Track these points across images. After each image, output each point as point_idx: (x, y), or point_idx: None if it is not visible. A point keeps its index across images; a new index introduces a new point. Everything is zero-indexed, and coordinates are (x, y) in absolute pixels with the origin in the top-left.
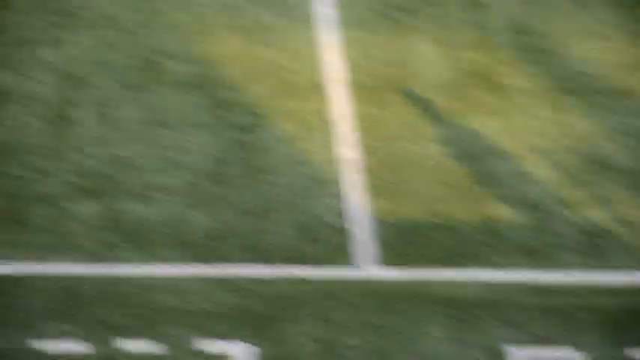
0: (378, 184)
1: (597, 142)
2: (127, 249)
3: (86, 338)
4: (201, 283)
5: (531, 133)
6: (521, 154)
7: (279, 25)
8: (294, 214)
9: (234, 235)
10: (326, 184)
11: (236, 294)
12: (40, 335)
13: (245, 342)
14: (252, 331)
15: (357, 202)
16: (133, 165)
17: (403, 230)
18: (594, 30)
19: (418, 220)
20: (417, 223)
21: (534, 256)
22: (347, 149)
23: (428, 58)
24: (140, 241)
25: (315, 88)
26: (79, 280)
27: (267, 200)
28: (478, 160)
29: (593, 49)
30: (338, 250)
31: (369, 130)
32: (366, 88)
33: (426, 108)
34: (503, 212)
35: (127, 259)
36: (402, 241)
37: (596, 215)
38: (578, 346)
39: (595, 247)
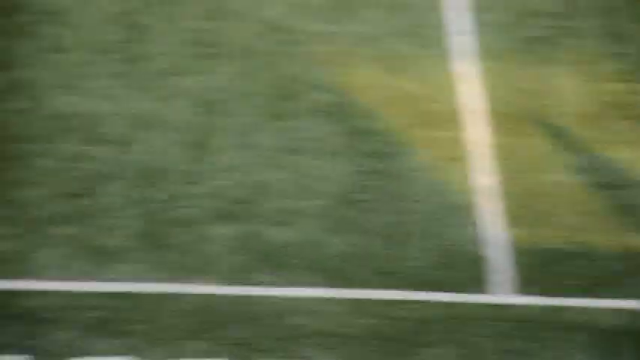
0: (515, 213)
1: None
2: (262, 271)
3: (224, 357)
4: (335, 305)
5: None
6: None
7: (416, 55)
8: (430, 241)
9: (368, 260)
10: (463, 211)
11: (369, 317)
12: (181, 355)
13: None
14: (384, 354)
15: (494, 230)
16: (270, 190)
17: (540, 258)
18: None
19: (555, 248)
20: (554, 252)
21: None
22: (484, 178)
23: (567, 89)
24: (275, 264)
25: (452, 117)
26: (216, 300)
27: (403, 227)
28: (617, 190)
29: None
30: (474, 277)
31: (507, 158)
32: (504, 118)
33: (564, 138)
34: None
35: (262, 282)
36: (538, 269)
37: None
38: None
39: None
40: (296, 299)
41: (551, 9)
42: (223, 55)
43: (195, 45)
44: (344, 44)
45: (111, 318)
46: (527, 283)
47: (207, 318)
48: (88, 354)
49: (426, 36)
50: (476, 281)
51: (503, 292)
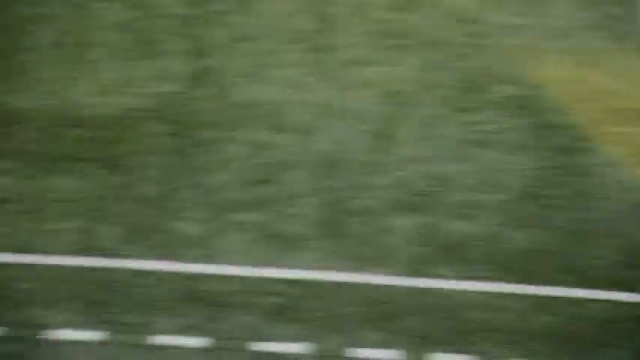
0: None
1: None
2: (441, 264)
3: (399, 348)
4: (516, 302)
5: None
6: None
7: (608, 50)
8: (615, 240)
9: (550, 256)
10: None
11: (550, 315)
12: (356, 344)
13: None
14: (563, 353)
15: None
16: (452, 182)
17: None
18: None
19: None
20: None
21: None
22: None
23: None
24: (455, 257)
25: None
26: (394, 291)
27: (588, 224)
28: None
29: None
30: None
31: None
32: None
33: None
34: None
35: (440, 274)
36: None
37: None
38: None
39: None
40: (475, 293)
41: None
42: (410, 46)
43: (382, 36)
44: (533, 37)
45: (289, 305)
46: None
47: (384, 308)
48: (267, 339)
49: (618, 29)
50: None
51: None
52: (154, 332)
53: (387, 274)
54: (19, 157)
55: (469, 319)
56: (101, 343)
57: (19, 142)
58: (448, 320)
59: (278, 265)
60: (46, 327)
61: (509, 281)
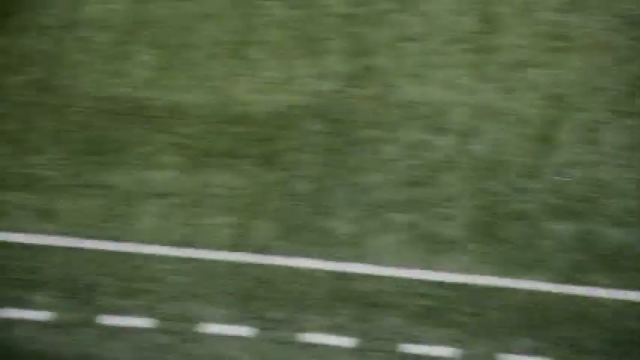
0: None
1: None
2: (598, 272)
3: (552, 357)
4: None
5: None
6: None
7: None
8: None
9: None
10: None
11: None
12: (505, 350)
13: None
14: None
15: None
16: (614, 189)
17: None
18: None
19: None
20: None
21: None
22: None
23: None
24: (613, 266)
25: None
26: (548, 298)
27: None
28: None
29: None
30: None
31: None
32: None
33: None
34: None
35: (596, 282)
36: None
37: None
38: None
39: None
40: (632, 303)
41: None
42: (575, 49)
43: (547, 37)
44: None
45: (439, 307)
46: None
47: (537, 315)
48: (414, 342)
49: None
50: None
51: None
52: (304, 330)
53: (540, 280)
54: (181, 151)
55: (624, 329)
56: (251, 339)
57: (181, 137)
58: (602, 329)
59: (429, 267)
60: (199, 321)
61: None
